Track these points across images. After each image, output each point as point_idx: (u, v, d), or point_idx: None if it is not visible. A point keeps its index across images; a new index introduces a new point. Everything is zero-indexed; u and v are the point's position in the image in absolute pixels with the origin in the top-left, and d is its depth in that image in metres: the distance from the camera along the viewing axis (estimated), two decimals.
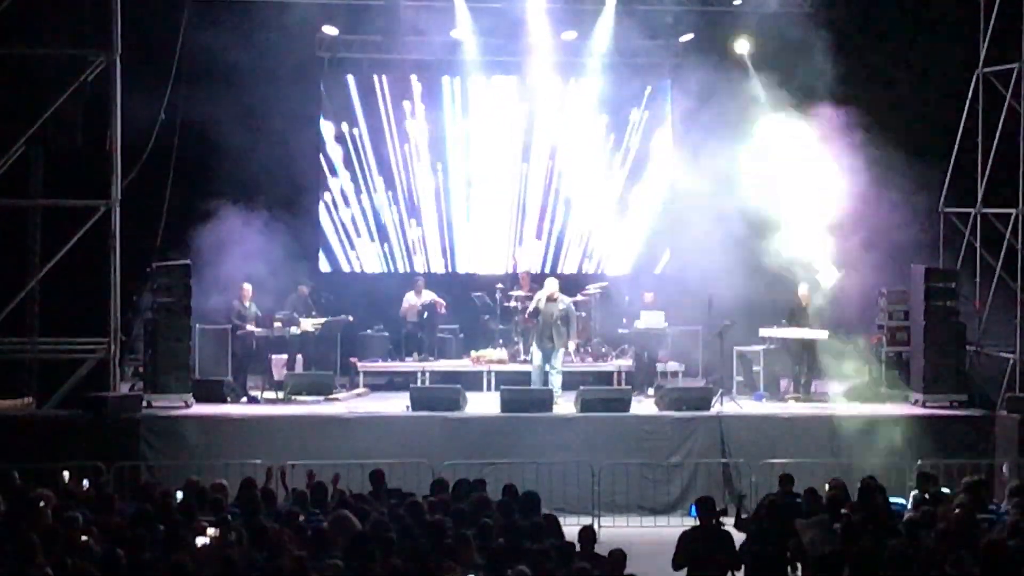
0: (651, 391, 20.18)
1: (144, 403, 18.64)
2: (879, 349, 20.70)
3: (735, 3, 22.27)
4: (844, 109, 20.62)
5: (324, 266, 23.35)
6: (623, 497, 18.06)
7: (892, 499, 14.00)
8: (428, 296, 22.10)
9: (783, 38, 21.14)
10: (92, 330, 18.95)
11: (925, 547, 11.31)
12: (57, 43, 19.12)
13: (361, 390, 20.81)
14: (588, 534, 11.65)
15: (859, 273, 20.49)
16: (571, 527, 12.20)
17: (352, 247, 23.51)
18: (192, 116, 20.66)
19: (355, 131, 23.40)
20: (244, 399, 19.86)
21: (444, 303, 22.14)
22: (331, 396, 19.95)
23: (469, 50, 22.86)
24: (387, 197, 23.52)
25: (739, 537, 12.53)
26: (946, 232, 21.17)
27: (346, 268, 23.49)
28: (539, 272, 22.59)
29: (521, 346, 21.50)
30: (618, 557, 11.15)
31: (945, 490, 13.95)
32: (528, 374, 20.27)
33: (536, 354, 20.00)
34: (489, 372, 21.09)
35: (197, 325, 19.75)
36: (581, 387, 19.34)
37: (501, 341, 21.87)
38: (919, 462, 16.93)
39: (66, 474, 14.16)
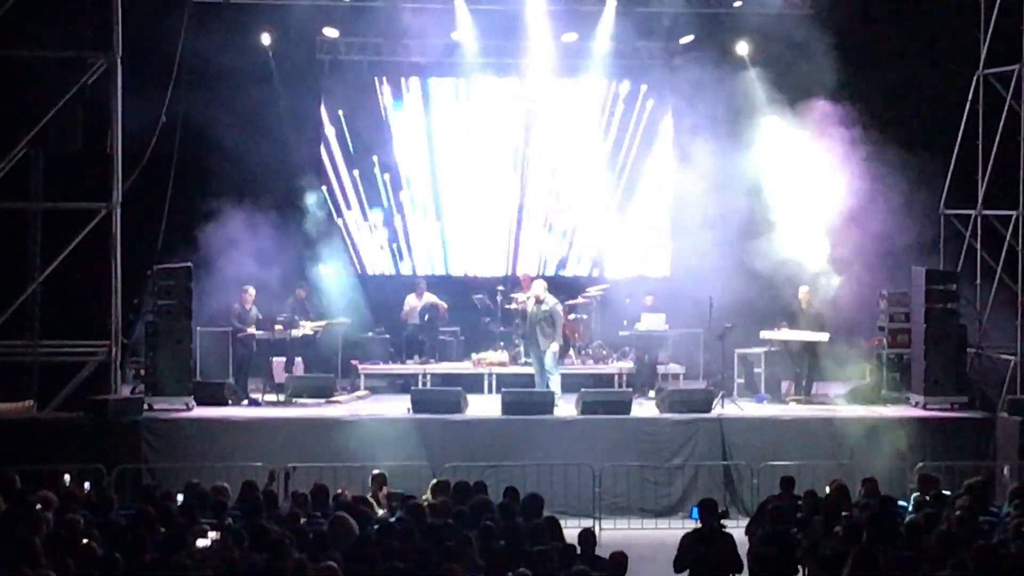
0: (652, 393, 20.17)
1: (145, 406, 18.63)
2: (880, 351, 20.70)
3: (735, 5, 22.26)
4: (844, 111, 20.64)
5: (325, 269, 23.32)
6: (624, 499, 18.05)
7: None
8: (429, 299, 22.11)
9: (783, 40, 21.12)
10: (93, 333, 18.94)
11: (926, 549, 11.30)
12: (57, 45, 19.09)
13: (362, 393, 20.81)
14: (589, 536, 11.65)
15: (860, 275, 20.50)
16: (572, 529, 12.20)
17: (353, 250, 23.51)
18: (193, 118, 20.66)
19: (356, 133, 23.41)
20: (245, 402, 19.86)
21: (445, 305, 22.15)
22: (332, 399, 19.93)
23: (469, 52, 22.85)
24: (388, 199, 23.52)
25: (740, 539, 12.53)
26: (947, 234, 21.16)
27: (347, 271, 23.46)
28: (539, 274, 22.55)
29: (522, 348, 21.50)
30: (619, 559, 11.15)
31: (946, 492, 13.94)
32: (529, 376, 20.27)
33: (533, 358, 20.05)
34: (490, 374, 21.08)
35: (198, 328, 19.77)
36: (582, 389, 19.33)
37: (502, 343, 21.87)
38: (920, 464, 16.93)
39: (67, 477, 14.16)
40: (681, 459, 18.45)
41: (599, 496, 17.49)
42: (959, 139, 20.73)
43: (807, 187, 20.63)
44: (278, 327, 20.39)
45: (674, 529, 15.32)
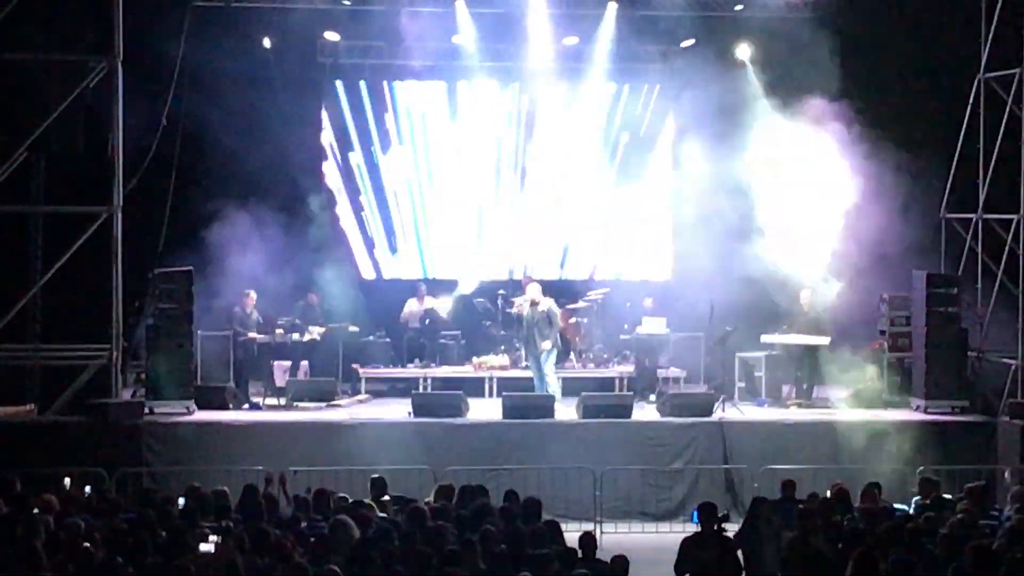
0: (653, 397, 20.16)
1: (146, 409, 18.62)
2: (881, 355, 20.70)
3: (736, 8, 22.27)
4: (844, 114, 20.62)
5: (326, 273, 23.31)
6: (625, 503, 18.05)
7: (895, 505, 14.03)
8: (430, 302, 22.12)
9: (784, 44, 21.15)
10: (94, 336, 18.94)
11: (928, 553, 11.30)
12: (59, 49, 19.11)
13: (363, 396, 20.80)
14: (590, 540, 11.64)
15: (861, 278, 20.49)
16: (572, 533, 12.19)
17: (354, 253, 23.51)
18: (194, 122, 20.66)
19: (357, 137, 23.42)
20: (246, 405, 19.85)
21: (446, 308, 22.16)
22: (333, 402, 19.93)
23: (470, 56, 22.87)
24: (389, 202, 23.52)
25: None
26: (948, 237, 21.16)
27: (348, 274, 23.46)
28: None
29: (522, 352, 21.50)
30: (620, 563, 11.15)
31: (947, 496, 13.93)
32: (530, 380, 20.27)
33: (529, 360, 20.04)
34: (491, 378, 21.08)
35: (199, 331, 19.76)
36: (583, 393, 19.34)
37: (503, 347, 21.86)
38: (921, 468, 16.92)
39: (68, 480, 14.16)
40: (682, 463, 18.44)
41: (600, 500, 17.47)
42: (960, 143, 20.74)
43: (808, 190, 20.62)
44: (279, 331, 20.39)
45: (675, 533, 15.31)
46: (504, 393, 19.50)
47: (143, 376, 19.33)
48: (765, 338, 20.38)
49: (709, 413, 18.97)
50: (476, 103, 23.54)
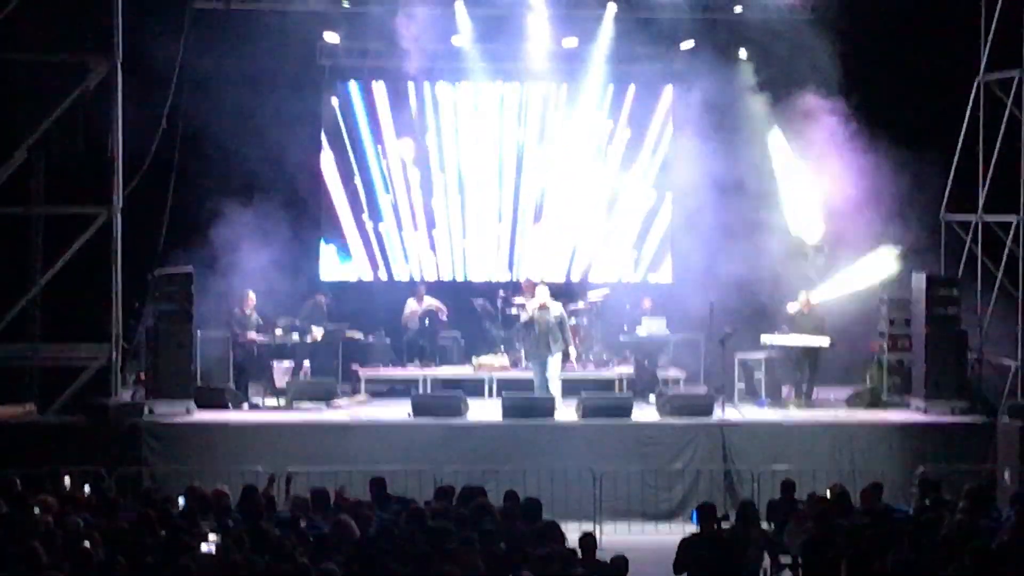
0: (652, 398, 20.16)
1: (146, 410, 18.64)
2: (880, 356, 20.71)
3: (736, 10, 22.26)
4: (845, 116, 20.67)
5: (326, 273, 23.36)
6: (624, 504, 18.03)
7: (895, 506, 14.03)
8: (430, 303, 22.13)
9: (783, 45, 21.15)
10: (94, 337, 18.95)
11: (927, 554, 11.30)
12: (59, 50, 19.12)
13: (362, 397, 20.81)
14: (589, 541, 11.65)
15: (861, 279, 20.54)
16: (572, 533, 12.19)
17: (354, 254, 23.52)
18: (194, 123, 20.67)
19: (356, 138, 23.43)
20: (245, 406, 19.86)
21: (445, 309, 22.17)
22: (333, 403, 19.94)
23: (470, 57, 22.87)
24: (388, 204, 23.54)
25: None
26: (947, 239, 21.17)
27: (348, 275, 23.50)
28: (539, 280, 22.52)
29: (522, 353, 21.52)
30: (619, 563, 11.16)
31: (947, 497, 13.93)
32: (530, 380, 20.26)
33: (535, 366, 19.94)
34: (491, 379, 21.09)
35: (199, 332, 19.78)
36: (582, 393, 19.34)
37: (503, 347, 21.87)
38: (921, 469, 16.93)
39: (67, 480, 14.16)
40: (682, 463, 18.44)
41: (600, 500, 17.47)
42: (960, 145, 20.75)
43: (807, 191, 20.64)
44: (278, 331, 20.40)
45: (675, 533, 15.23)
46: (504, 393, 19.51)
47: (143, 376, 19.34)
48: (765, 339, 20.39)
49: (709, 414, 18.97)
50: (475, 104, 23.54)
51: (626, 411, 18.99)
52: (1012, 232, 19.86)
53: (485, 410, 19.58)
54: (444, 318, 22.13)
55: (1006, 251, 19.92)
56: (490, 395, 20.77)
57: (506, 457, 17.96)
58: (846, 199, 20.41)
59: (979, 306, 20.34)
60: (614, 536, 16.69)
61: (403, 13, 21.84)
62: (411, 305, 22.19)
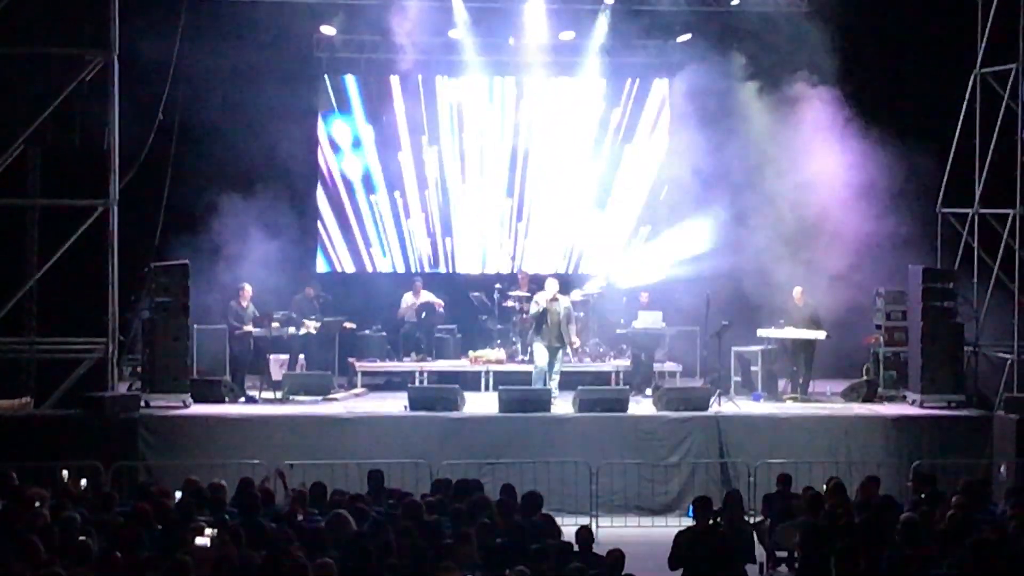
0: (649, 391, 20.18)
1: (142, 403, 18.63)
2: (876, 349, 20.73)
3: (733, 3, 22.26)
4: (841, 108, 20.67)
5: (322, 266, 23.37)
6: (621, 497, 18.05)
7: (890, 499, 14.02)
8: (426, 296, 22.13)
9: (781, 38, 21.15)
10: (90, 330, 18.93)
11: (923, 547, 11.30)
12: (55, 43, 19.08)
13: (359, 390, 20.82)
14: (586, 534, 11.65)
15: (856, 273, 20.53)
16: (569, 527, 12.20)
17: (350, 247, 23.52)
18: (190, 116, 20.67)
19: (352, 131, 23.42)
20: (242, 399, 19.87)
21: (442, 303, 22.17)
22: (329, 396, 19.95)
23: (467, 50, 22.85)
24: (385, 196, 23.53)
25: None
26: (944, 232, 21.17)
27: (344, 268, 23.51)
28: (536, 272, 22.54)
29: (519, 346, 21.52)
30: (616, 557, 11.16)
31: (942, 490, 13.94)
32: (526, 374, 20.26)
33: (542, 355, 19.79)
34: (487, 372, 21.09)
35: (195, 325, 19.77)
36: (579, 387, 19.33)
37: (499, 341, 21.88)
38: (917, 462, 16.97)
39: (64, 473, 14.16)
40: (678, 457, 18.45)
41: (596, 494, 17.49)
42: (956, 138, 20.74)
43: (804, 184, 20.64)
44: (275, 324, 20.40)
45: (671, 527, 15.23)
46: (500, 387, 19.50)
47: (139, 369, 19.35)
48: (761, 332, 20.40)
49: (705, 407, 18.98)
50: (472, 97, 23.52)
51: (622, 404, 18.99)
52: (1008, 225, 19.86)
53: (481, 404, 19.57)
54: (441, 311, 22.12)
55: (1002, 244, 19.92)
56: (486, 389, 20.76)
57: (503, 451, 17.97)
58: (842, 192, 20.40)
59: (975, 300, 20.34)
60: (611, 530, 16.72)
61: (399, 6, 21.83)
62: (407, 299, 22.18)
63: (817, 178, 20.58)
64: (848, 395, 20.28)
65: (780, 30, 21.25)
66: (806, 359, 20.27)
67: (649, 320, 21.16)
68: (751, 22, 21.93)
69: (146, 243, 20.19)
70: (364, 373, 21.22)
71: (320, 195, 23.32)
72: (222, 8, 21.16)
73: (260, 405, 19.61)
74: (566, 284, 21.96)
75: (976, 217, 20.58)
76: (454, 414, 18.78)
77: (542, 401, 18.98)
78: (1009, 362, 19.46)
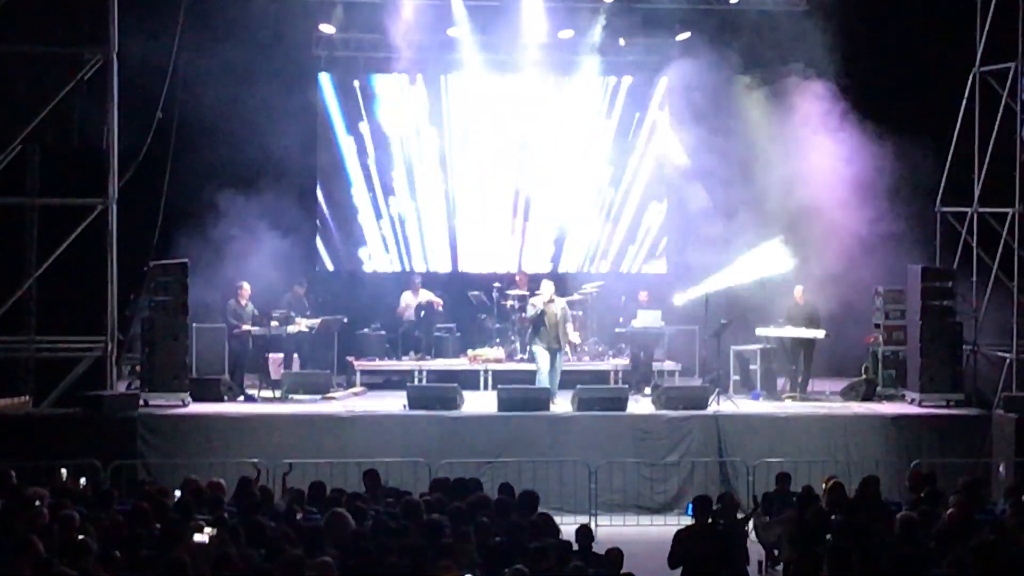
0: (648, 390, 20.18)
1: (141, 401, 18.63)
2: (875, 348, 20.73)
3: (732, 1, 22.25)
4: (840, 108, 20.66)
5: (322, 265, 23.36)
6: (620, 496, 18.05)
7: (889, 498, 14.05)
8: (425, 295, 22.13)
9: (780, 36, 21.15)
10: (89, 328, 18.94)
11: (921, 547, 11.31)
12: (54, 41, 19.09)
13: (358, 389, 20.81)
14: (585, 533, 11.65)
15: (855, 271, 20.53)
16: (568, 526, 12.20)
17: (349, 246, 23.52)
18: (189, 115, 20.63)
19: (352, 129, 23.41)
20: (241, 398, 19.86)
21: (441, 302, 22.17)
22: (328, 395, 19.96)
23: (466, 48, 22.85)
24: (384, 196, 23.52)
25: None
26: (943, 231, 21.17)
27: (344, 267, 23.50)
28: (535, 272, 22.54)
29: (518, 345, 21.51)
30: (615, 556, 11.16)
31: (941, 489, 13.94)
32: (525, 373, 20.24)
33: (544, 357, 19.70)
34: (486, 371, 21.09)
35: (194, 324, 19.77)
36: (578, 386, 19.32)
37: (498, 340, 21.87)
38: (915, 461, 16.96)
39: (64, 472, 14.16)
40: (677, 456, 18.44)
41: (595, 493, 17.49)
42: (955, 136, 20.75)
43: (802, 184, 20.63)
44: (274, 323, 20.39)
45: (670, 526, 15.29)
46: (499, 386, 19.49)
47: (138, 368, 19.35)
48: (760, 331, 20.40)
49: (704, 406, 18.98)
50: (471, 96, 23.51)
51: (621, 403, 18.99)
52: (1007, 224, 19.86)
53: (481, 403, 19.57)
54: (440, 310, 22.11)
55: (1001, 243, 19.93)
56: (485, 388, 20.76)
57: (501, 450, 17.98)
58: (841, 191, 20.40)
59: (974, 299, 20.35)
60: (610, 528, 16.72)
61: (399, 4, 21.82)
62: (407, 297, 22.18)
63: (816, 177, 20.57)
64: (847, 394, 20.28)
65: (779, 27, 21.26)
66: (805, 358, 20.28)
67: (648, 319, 21.16)
68: (750, 19, 21.93)
69: (145, 242, 20.16)
70: (363, 372, 21.22)
71: (319, 193, 23.30)
72: (221, 6, 21.13)
73: (259, 404, 19.61)
74: (565, 284, 21.97)
75: (975, 216, 20.58)
76: (453, 413, 18.78)
77: (541, 400, 18.98)
78: (1008, 361, 19.46)
